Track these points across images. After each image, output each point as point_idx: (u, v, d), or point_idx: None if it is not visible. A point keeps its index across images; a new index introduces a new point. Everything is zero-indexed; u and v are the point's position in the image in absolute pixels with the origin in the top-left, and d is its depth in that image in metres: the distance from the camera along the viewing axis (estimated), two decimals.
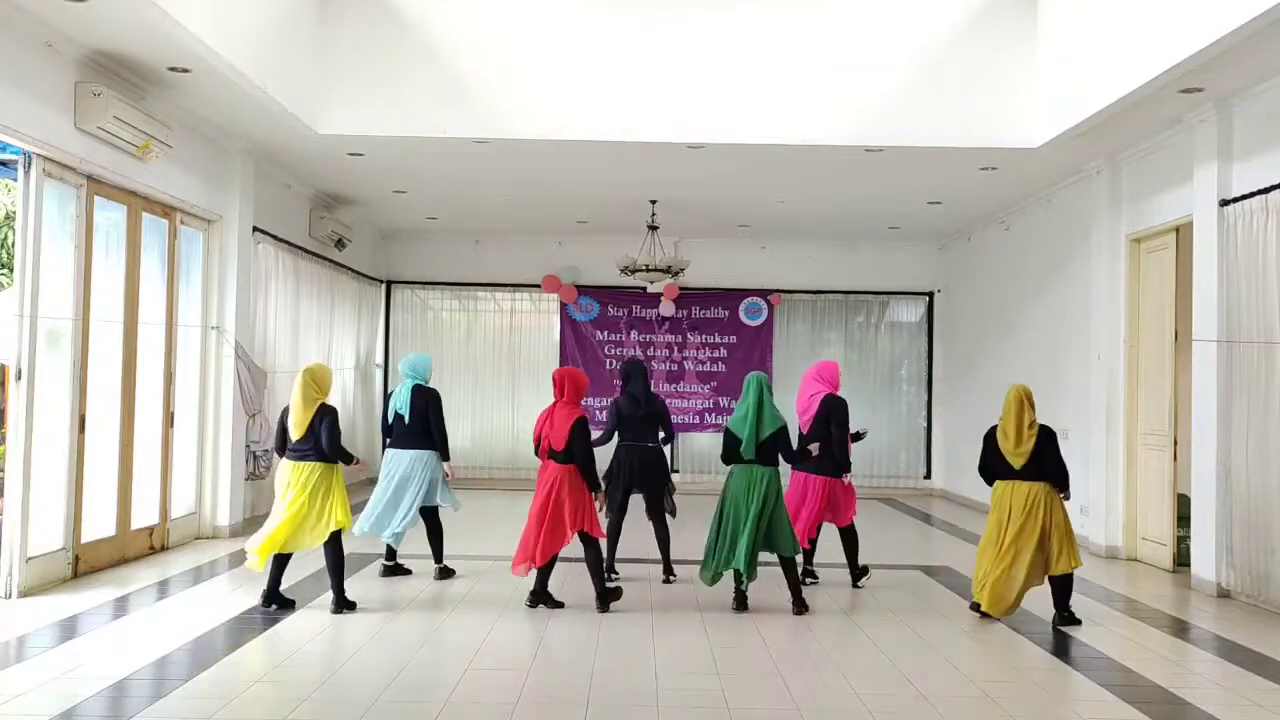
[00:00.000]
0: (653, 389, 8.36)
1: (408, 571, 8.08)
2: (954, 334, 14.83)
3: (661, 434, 8.11)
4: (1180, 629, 6.91)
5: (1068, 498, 6.83)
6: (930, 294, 15.33)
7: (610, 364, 15.17)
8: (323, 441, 6.73)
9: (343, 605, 6.82)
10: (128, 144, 7.70)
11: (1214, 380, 7.90)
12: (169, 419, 8.98)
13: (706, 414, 14.98)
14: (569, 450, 6.88)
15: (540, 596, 7.05)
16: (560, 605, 7.04)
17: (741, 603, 7.09)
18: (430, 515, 8.03)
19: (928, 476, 15.21)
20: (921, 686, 5.45)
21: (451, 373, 14.86)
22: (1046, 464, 6.76)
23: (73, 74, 7.24)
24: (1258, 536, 7.43)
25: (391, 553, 8.05)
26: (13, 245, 8.20)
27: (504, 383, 15.22)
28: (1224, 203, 7.87)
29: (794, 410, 7.92)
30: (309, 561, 8.37)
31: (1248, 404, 7.58)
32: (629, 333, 15.25)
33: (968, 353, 14.16)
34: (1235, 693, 5.45)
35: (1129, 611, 7.35)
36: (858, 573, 7.99)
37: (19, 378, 6.95)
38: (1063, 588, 6.81)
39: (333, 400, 12.57)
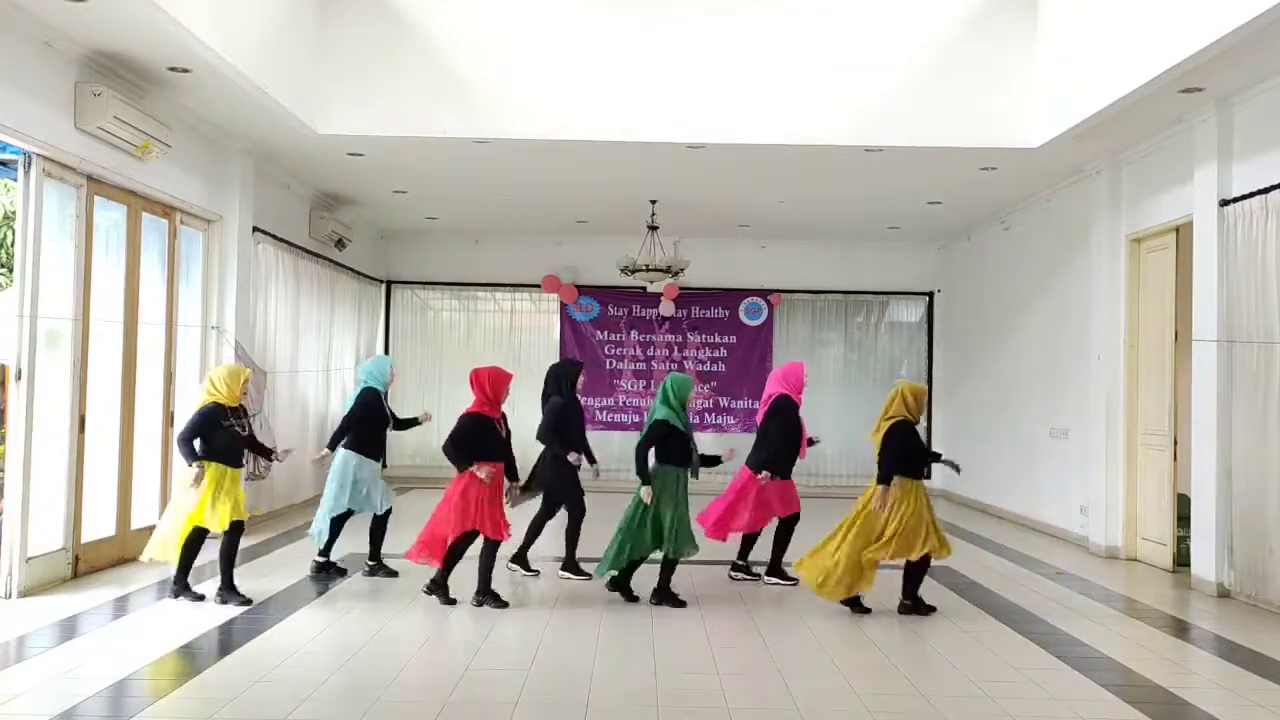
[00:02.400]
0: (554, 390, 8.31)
1: (341, 571, 8.04)
2: (954, 334, 14.82)
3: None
4: (1180, 629, 6.92)
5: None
6: (930, 294, 15.32)
7: (610, 364, 15.18)
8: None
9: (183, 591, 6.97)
10: (127, 144, 7.70)
11: (1214, 380, 7.90)
12: (169, 419, 8.98)
13: (706, 414, 14.98)
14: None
15: (437, 587, 7.07)
16: (505, 604, 7.03)
17: (612, 584, 7.27)
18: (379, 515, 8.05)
19: (928, 476, 15.13)
20: (921, 686, 5.45)
21: (451, 373, 14.86)
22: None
23: (73, 74, 7.24)
24: (1258, 536, 7.43)
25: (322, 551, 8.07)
26: (13, 245, 8.19)
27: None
28: (1224, 203, 7.87)
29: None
30: (308, 563, 8.38)
31: (1248, 404, 7.58)
32: (629, 332, 15.25)
33: (968, 353, 14.16)
34: (1235, 693, 5.45)
35: (1129, 611, 7.35)
36: (769, 568, 8.07)
37: (19, 378, 6.95)
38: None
39: (333, 401, 12.57)
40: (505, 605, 7.03)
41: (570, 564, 8.06)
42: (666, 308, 15.03)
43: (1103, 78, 8.01)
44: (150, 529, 8.62)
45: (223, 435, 6.93)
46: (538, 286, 15.18)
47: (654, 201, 12.17)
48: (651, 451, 7.15)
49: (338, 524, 7.97)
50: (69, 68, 7.21)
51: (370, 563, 8.08)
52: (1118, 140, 9.15)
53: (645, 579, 7.33)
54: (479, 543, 7.05)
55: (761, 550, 8.14)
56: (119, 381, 8.19)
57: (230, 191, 9.80)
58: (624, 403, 15.14)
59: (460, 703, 5.03)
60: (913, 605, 7.04)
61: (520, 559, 8.19)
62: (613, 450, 15.15)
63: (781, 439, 7.93)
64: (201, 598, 6.96)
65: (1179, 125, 8.50)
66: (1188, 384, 8.46)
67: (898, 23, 9.24)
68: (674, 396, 7.20)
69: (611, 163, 10.40)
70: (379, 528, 8.07)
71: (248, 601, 6.94)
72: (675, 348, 15.24)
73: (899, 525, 6.86)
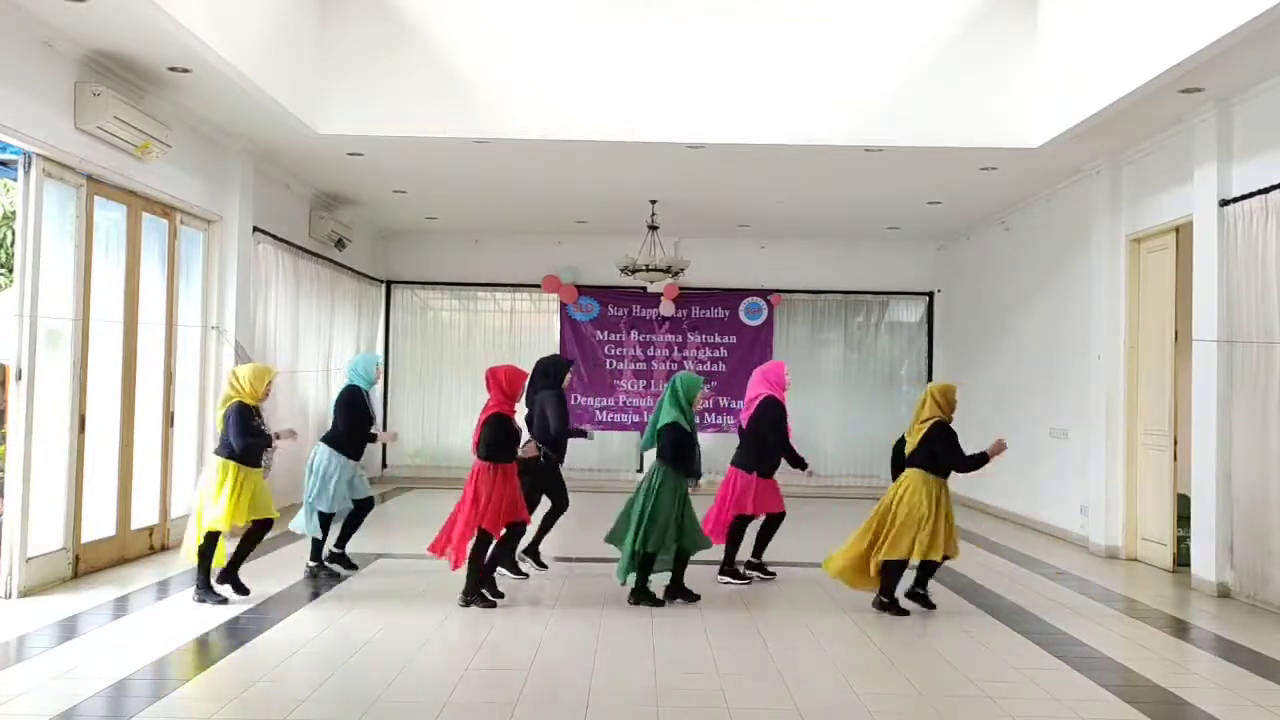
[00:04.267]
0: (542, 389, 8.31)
1: (336, 575, 7.97)
2: (954, 334, 14.82)
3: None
4: (1180, 629, 6.92)
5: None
6: (930, 294, 15.32)
7: (610, 364, 15.17)
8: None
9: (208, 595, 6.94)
10: (127, 144, 7.70)
11: (1214, 380, 7.90)
12: (169, 419, 8.98)
13: (706, 414, 14.95)
14: (478, 445, 7.04)
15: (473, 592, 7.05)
16: (493, 604, 7.02)
17: (633, 596, 7.16)
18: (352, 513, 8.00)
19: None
20: (921, 686, 5.45)
21: (451, 373, 14.89)
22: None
23: (73, 74, 7.24)
24: (1258, 536, 7.43)
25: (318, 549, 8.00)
26: (13, 245, 8.19)
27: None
28: (1224, 203, 7.87)
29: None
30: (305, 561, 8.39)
31: (1248, 404, 7.58)
32: (629, 332, 15.25)
33: (968, 353, 14.16)
34: (1235, 693, 5.45)
35: (1129, 611, 7.35)
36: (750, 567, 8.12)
37: (19, 378, 6.95)
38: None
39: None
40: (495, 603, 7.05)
41: (532, 552, 8.13)
42: (666, 308, 15.02)
43: (1103, 78, 8.01)
44: (150, 529, 8.69)
45: (253, 434, 6.93)
46: (538, 286, 15.18)
47: (654, 201, 12.18)
48: (652, 450, 7.17)
49: (322, 527, 7.84)
50: (69, 68, 7.21)
51: (336, 549, 8.02)
52: (1118, 140, 9.15)
53: (659, 581, 7.32)
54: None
55: (742, 550, 8.13)
56: (119, 381, 8.19)
57: (230, 191, 9.79)
58: (624, 403, 15.14)
59: (460, 703, 5.03)
60: (889, 603, 7.03)
61: (532, 552, 8.19)
62: (612, 450, 15.19)
63: (775, 439, 7.95)
64: (224, 600, 6.93)
65: (1179, 125, 8.50)
66: (1188, 384, 8.46)
67: (898, 23, 9.24)
68: (683, 396, 7.20)
69: (611, 163, 10.41)
70: (354, 521, 8.02)
71: (244, 592, 7.01)
72: (675, 348, 15.24)
73: (907, 517, 6.86)
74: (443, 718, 4.81)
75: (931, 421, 6.99)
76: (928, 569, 7.08)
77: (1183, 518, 8.69)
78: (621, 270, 12.56)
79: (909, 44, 9.22)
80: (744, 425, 8.17)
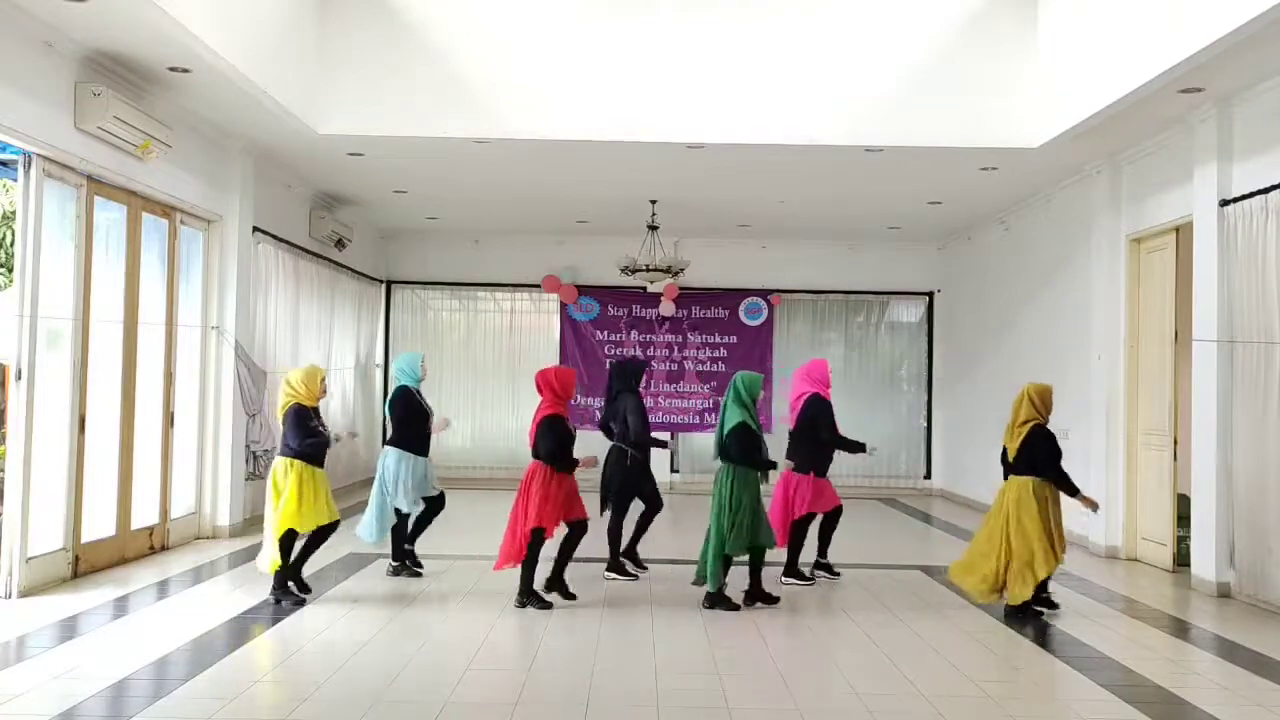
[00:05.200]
0: (629, 387, 8.36)
1: (415, 573, 8.03)
2: (954, 334, 14.82)
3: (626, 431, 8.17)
4: (1180, 629, 6.91)
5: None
6: (930, 294, 15.32)
7: (610, 364, 15.14)
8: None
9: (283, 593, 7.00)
10: (128, 144, 7.70)
11: (1214, 380, 7.90)
12: (169, 419, 8.98)
13: (706, 414, 14.95)
14: (536, 446, 7.05)
15: (527, 595, 7.05)
16: (549, 606, 7.03)
17: (709, 600, 7.10)
18: (424, 511, 8.03)
19: (928, 477, 15.20)
20: (921, 686, 5.45)
21: (451, 373, 14.87)
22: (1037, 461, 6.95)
23: (73, 74, 7.24)
24: (1258, 536, 7.43)
25: (396, 553, 8.05)
26: (13, 245, 8.20)
27: (504, 383, 15.19)
28: (1224, 203, 7.87)
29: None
30: (308, 563, 8.39)
31: (1248, 404, 7.58)
32: (629, 333, 15.24)
33: (968, 353, 14.16)
34: (1235, 693, 5.45)
35: (1129, 611, 7.35)
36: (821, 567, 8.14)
37: (19, 378, 6.95)
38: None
39: (333, 400, 12.58)
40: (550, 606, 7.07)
41: (630, 554, 8.15)
42: (666, 308, 15.02)
43: (1103, 78, 8.01)
44: (150, 529, 8.69)
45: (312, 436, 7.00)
46: (538, 286, 15.18)
47: (654, 201, 12.18)
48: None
49: (399, 526, 7.93)
50: (69, 68, 7.21)
51: (407, 546, 8.04)
52: (1118, 140, 9.15)
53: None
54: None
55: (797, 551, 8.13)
56: (119, 381, 8.19)
57: (230, 191, 9.79)
58: None
59: (460, 703, 5.03)
60: (1030, 607, 6.94)
61: (631, 554, 8.21)
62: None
63: (828, 436, 7.97)
64: (302, 601, 6.98)
65: (1179, 125, 8.50)
66: (1188, 384, 8.46)
67: (898, 23, 9.24)
68: (745, 395, 7.18)
69: (611, 163, 10.41)
70: (424, 521, 8.06)
71: (306, 594, 7.06)
72: (675, 348, 15.23)
73: (1036, 532, 6.83)
74: (443, 718, 4.81)
75: (1031, 425, 6.97)
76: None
77: (1183, 517, 8.69)
78: (621, 270, 12.57)
79: (909, 44, 9.22)
80: (793, 426, 8.12)
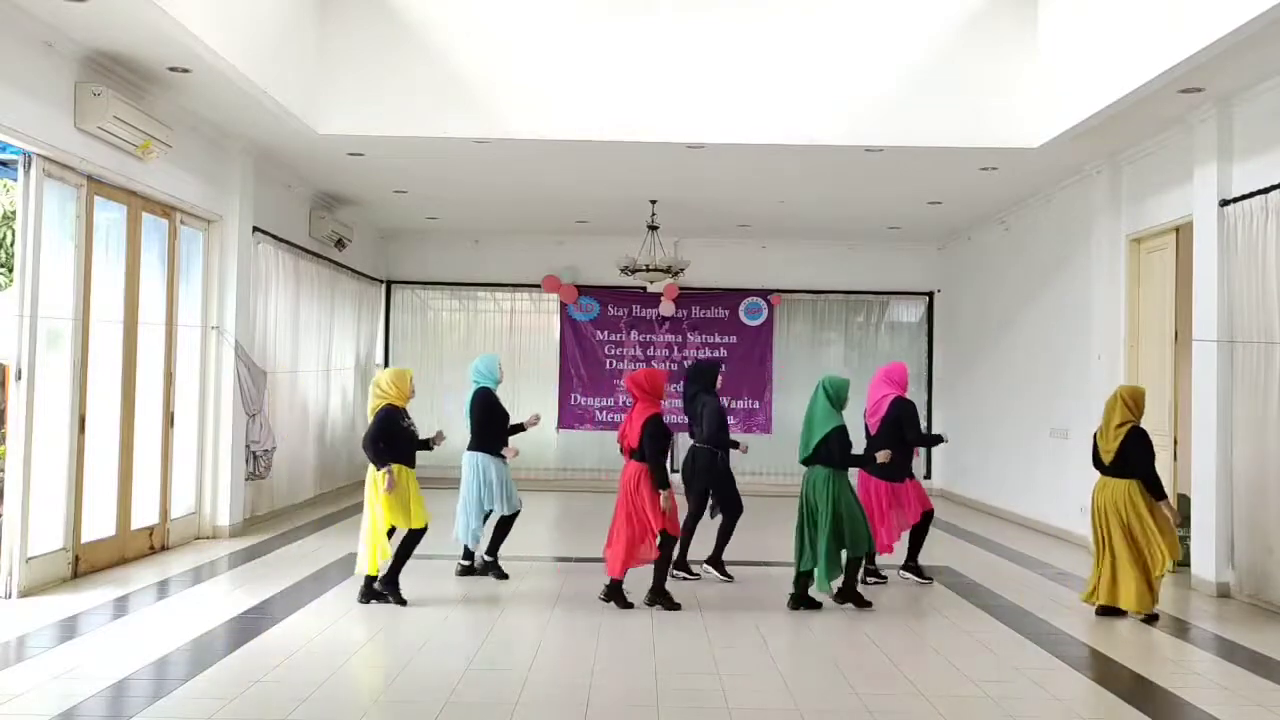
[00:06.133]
0: (707, 390, 8.33)
1: (483, 573, 8.00)
2: (954, 334, 14.82)
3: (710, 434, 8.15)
4: (1180, 629, 6.91)
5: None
6: (930, 294, 15.32)
7: (610, 364, 15.17)
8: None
9: (371, 596, 7.04)
10: (128, 144, 7.70)
11: (1214, 380, 7.90)
12: (169, 419, 8.98)
13: None
14: (641, 449, 7.03)
15: (614, 594, 7.09)
16: (630, 606, 7.04)
17: (795, 601, 7.14)
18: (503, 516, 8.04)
19: (928, 476, 15.18)
20: (921, 686, 5.45)
21: (451, 373, 14.86)
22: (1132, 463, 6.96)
23: (73, 74, 7.24)
24: (1258, 536, 7.43)
25: (467, 553, 8.05)
26: (13, 245, 8.20)
27: (504, 383, 15.09)
28: (1224, 203, 7.87)
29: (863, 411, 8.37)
30: (308, 563, 8.40)
31: (1248, 404, 7.58)
32: (629, 333, 15.25)
33: (968, 353, 14.16)
34: (1235, 693, 5.45)
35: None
36: (912, 568, 8.26)
37: (19, 378, 6.95)
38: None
39: (333, 401, 12.51)
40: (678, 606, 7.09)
41: (716, 562, 8.15)
42: (666, 308, 15.02)
43: (1103, 78, 8.01)
44: (150, 529, 8.69)
45: (404, 436, 7.02)
46: (538, 286, 15.18)
47: (654, 201, 12.17)
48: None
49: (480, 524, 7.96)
50: (69, 68, 7.21)
51: (487, 558, 8.03)
52: (1117, 140, 9.15)
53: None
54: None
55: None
56: (119, 381, 8.19)
57: (230, 191, 9.79)
58: (624, 403, 15.09)
59: (460, 703, 5.03)
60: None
61: (716, 563, 8.17)
62: (611, 450, 15.12)
63: (914, 436, 8.06)
64: (404, 602, 7.00)
65: (1179, 125, 8.50)
66: (1188, 384, 8.46)
67: (898, 23, 9.24)
68: (835, 398, 7.21)
69: (611, 163, 10.41)
70: (505, 525, 8.05)
71: (401, 603, 7.03)
72: (675, 348, 15.24)
73: (1155, 528, 6.90)
74: (443, 718, 4.81)
75: (1128, 427, 6.96)
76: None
77: (1183, 517, 8.68)
78: (621, 270, 12.56)
79: (909, 44, 9.22)
80: (873, 431, 8.14)
